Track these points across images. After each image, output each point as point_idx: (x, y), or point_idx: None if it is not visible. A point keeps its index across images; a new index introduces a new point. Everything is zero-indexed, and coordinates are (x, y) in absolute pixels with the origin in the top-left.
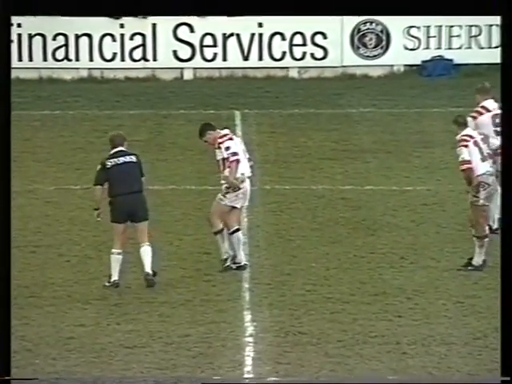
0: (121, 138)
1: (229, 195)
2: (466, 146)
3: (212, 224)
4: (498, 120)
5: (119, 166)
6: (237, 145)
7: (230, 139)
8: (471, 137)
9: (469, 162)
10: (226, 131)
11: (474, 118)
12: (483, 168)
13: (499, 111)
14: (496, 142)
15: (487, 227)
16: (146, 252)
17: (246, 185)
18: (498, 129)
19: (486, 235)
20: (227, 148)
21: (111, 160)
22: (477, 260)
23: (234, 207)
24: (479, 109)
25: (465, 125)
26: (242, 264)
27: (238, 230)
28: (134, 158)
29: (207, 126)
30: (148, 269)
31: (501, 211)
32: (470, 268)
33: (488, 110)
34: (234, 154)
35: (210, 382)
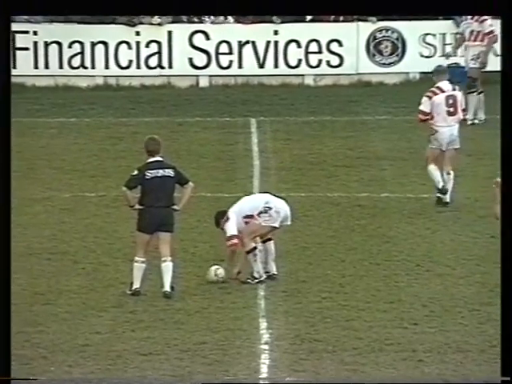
0: (157, 145)
1: (262, 215)
2: None
3: (244, 244)
4: (450, 101)
5: (158, 179)
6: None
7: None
8: None
9: None
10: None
11: (430, 97)
12: None
13: (452, 93)
14: (445, 121)
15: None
16: (168, 269)
17: (277, 204)
18: (451, 109)
19: None
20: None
21: (151, 171)
22: None
23: (274, 227)
24: (434, 89)
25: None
26: (271, 274)
27: (269, 239)
28: (171, 173)
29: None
30: (167, 287)
31: (501, 211)
32: None
33: (442, 91)
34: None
35: (210, 383)
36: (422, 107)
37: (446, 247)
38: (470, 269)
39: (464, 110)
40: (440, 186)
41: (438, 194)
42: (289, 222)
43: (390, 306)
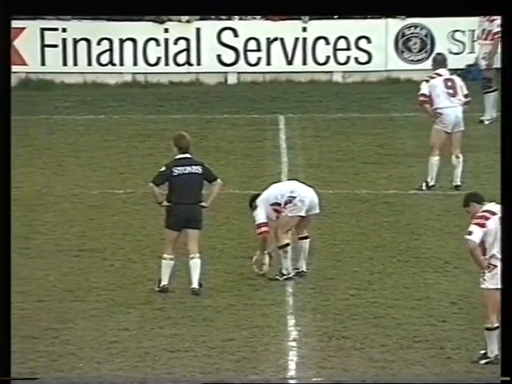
0: (187, 142)
1: (287, 205)
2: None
3: (278, 238)
4: (449, 83)
5: (185, 176)
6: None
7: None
8: (492, 213)
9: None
10: None
11: (427, 81)
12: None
13: (450, 76)
14: (447, 102)
15: None
16: (195, 265)
17: (301, 192)
18: (451, 91)
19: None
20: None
21: (179, 168)
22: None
23: (301, 216)
24: (432, 74)
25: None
26: (300, 271)
27: (306, 237)
28: (199, 170)
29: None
30: (195, 284)
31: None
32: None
33: (440, 75)
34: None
35: (210, 382)
36: (421, 91)
37: None
38: None
39: (466, 96)
40: (431, 183)
41: (424, 184)
42: (317, 211)
43: (418, 303)
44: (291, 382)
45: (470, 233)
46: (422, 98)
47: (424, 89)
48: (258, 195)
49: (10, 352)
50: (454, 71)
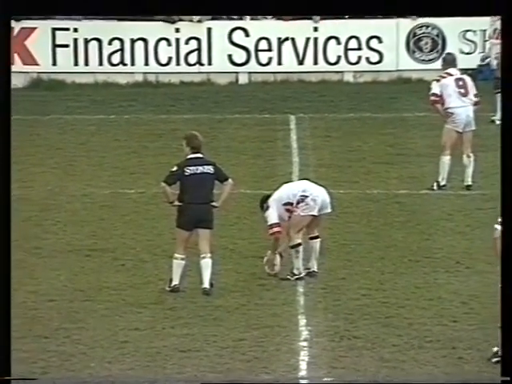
0: (199, 142)
1: (300, 205)
2: None
3: (290, 238)
4: (460, 83)
5: (197, 176)
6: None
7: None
8: None
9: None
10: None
11: (438, 80)
12: None
13: (461, 76)
14: (459, 101)
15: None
16: (207, 265)
17: (314, 191)
18: (462, 90)
19: None
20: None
21: (191, 168)
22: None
23: (313, 216)
24: (443, 74)
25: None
26: (311, 270)
27: (317, 237)
28: (211, 169)
29: None
30: (206, 284)
31: (501, 212)
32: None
33: (450, 75)
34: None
35: (210, 382)
36: (432, 91)
37: (486, 244)
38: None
39: (476, 96)
40: (442, 183)
41: (435, 184)
42: (329, 210)
43: (429, 303)
44: (302, 381)
45: (500, 223)
46: (433, 98)
47: (435, 88)
48: (268, 196)
49: (10, 352)
50: (464, 71)
